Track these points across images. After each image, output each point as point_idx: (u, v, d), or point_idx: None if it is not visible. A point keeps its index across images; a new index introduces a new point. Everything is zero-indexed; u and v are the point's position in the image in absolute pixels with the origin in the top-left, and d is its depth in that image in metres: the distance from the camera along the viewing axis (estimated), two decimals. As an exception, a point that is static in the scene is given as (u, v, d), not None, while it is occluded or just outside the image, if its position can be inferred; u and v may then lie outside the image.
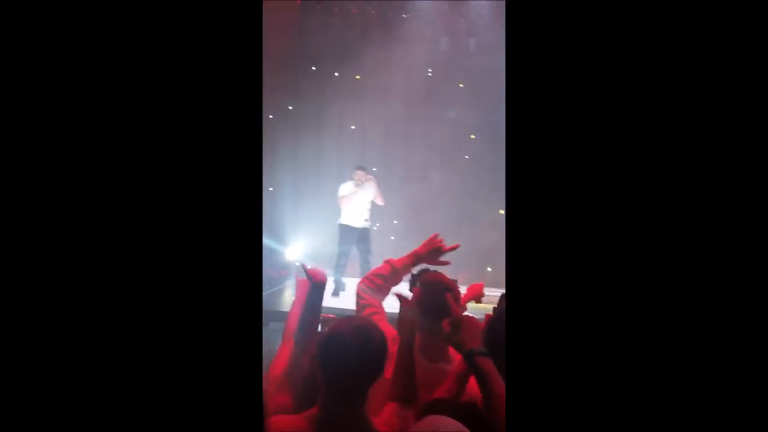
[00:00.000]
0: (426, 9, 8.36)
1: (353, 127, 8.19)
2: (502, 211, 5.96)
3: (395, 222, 7.70)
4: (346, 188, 6.38)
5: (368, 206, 6.40)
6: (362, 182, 6.28)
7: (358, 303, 2.02)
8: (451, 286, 1.90)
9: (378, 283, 2.02)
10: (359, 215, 6.39)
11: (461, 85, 8.07)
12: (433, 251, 2.04)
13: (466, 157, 7.80)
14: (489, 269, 7.18)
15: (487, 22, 8.37)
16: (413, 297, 1.74)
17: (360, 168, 6.42)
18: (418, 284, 1.91)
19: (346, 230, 6.42)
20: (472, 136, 7.89)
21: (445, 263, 2.06)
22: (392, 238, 7.55)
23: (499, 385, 1.36)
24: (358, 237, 6.39)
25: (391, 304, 1.91)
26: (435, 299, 1.77)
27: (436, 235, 2.06)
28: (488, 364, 1.39)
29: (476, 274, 6.04)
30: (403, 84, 8.00)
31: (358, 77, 8.09)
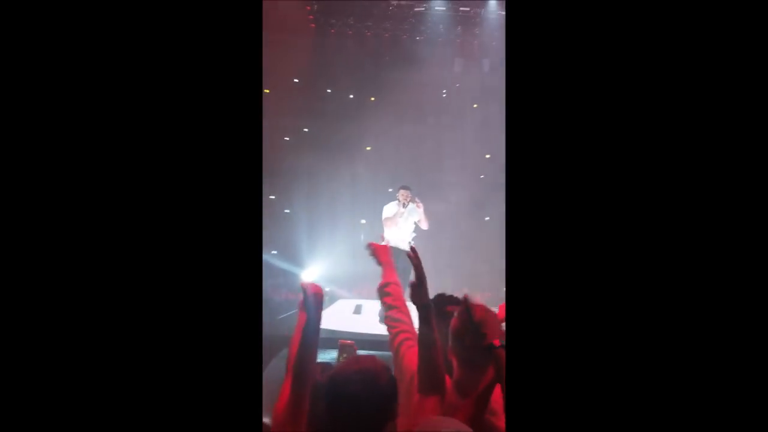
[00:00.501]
0: (439, 31, 8.43)
1: (368, 148, 8.22)
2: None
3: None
4: (390, 209, 6.03)
5: (413, 228, 6.07)
6: (407, 202, 5.94)
7: (390, 332, 1.86)
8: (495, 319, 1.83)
9: (399, 304, 1.93)
10: (404, 238, 6.02)
11: (475, 106, 8.09)
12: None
13: (482, 176, 7.79)
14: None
15: (500, 44, 8.43)
16: (453, 320, 1.63)
17: (405, 188, 6.06)
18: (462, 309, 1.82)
19: (395, 254, 6.12)
20: (487, 156, 7.89)
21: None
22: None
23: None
24: (405, 262, 6.08)
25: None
26: (480, 330, 1.63)
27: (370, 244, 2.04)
28: (504, 357, 1.36)
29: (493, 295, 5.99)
30: (418, 105, 8.03)
31: (372, 99, 8.14)
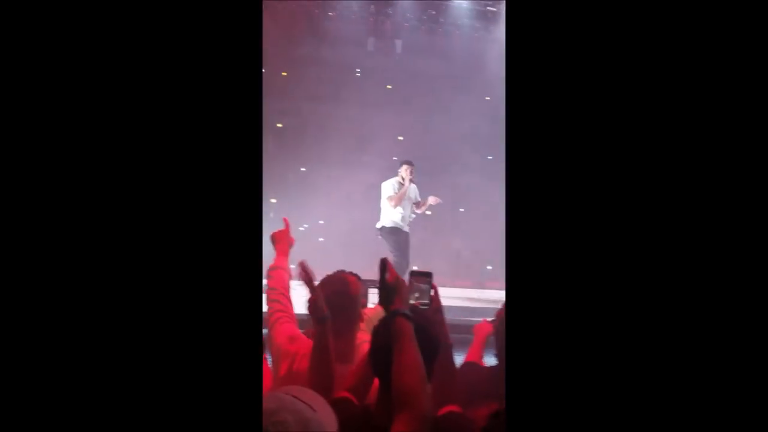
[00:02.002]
0: (352, 8, 8.34)
1: (279, 125, 8.05)
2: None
3: (321, 222, 7.66)
4: (391, 186, 5.60)
5: (412, 207, 5.71)
6: (411, 179, 5.54)
7: (268, 310, 2.04)
8: (350, 284, 1.94)
9: (280, 288, 2.09)
10: (406, 217, 5.68)
11: (389, 87, 8.13)
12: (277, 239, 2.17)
13: (395, 158, 7.86)
14: (489, 267, 7.28)
15: (413, 24, 8.49)
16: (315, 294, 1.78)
17: (408, 163, 5.61)
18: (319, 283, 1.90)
19: (397, 233, 5.63)
20: (400, 138, 7.98)
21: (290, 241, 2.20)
22: (321, 239, 7.50)
23: (409, 350, 1.33)
24: (404, 241, 5.65)
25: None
26: (339, 298, 1.85)
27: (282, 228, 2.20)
28: (406, 327, 1.37)
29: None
30: (331, 83, 7.95)
31: (284, 74, 7.95)
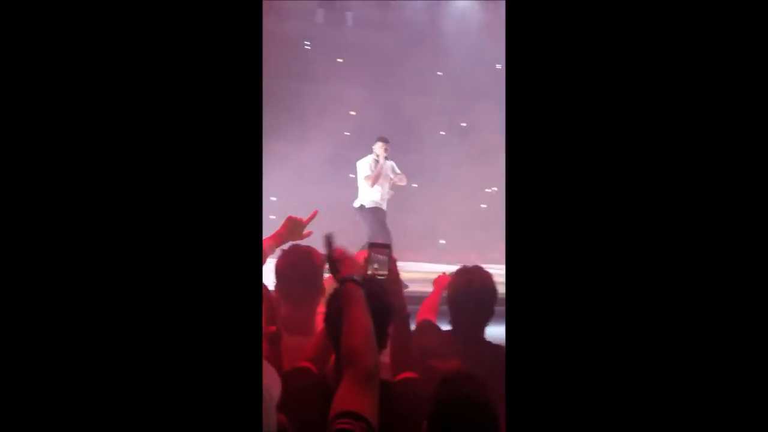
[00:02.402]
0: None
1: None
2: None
3: (273, 199, 7.49)
4: (367, 165, 5.53)
5: (389, 184, 5.67)
6: (386, 156, 5.47)
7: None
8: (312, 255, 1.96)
9: None
10: (384, 194, 5.63)
11: (340, 60, 7.95)
12: (295, 227, 2.09)
13: (347, 133, 7.71)
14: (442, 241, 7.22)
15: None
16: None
17: (383, 140, 5.53)
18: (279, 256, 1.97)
19: (377, 212, 5.60)
20: (352, 113, 7.83)
21: (308, 234, 2.11)
22: (272, 216, 7.32)
23: (355, 311, 1.37)
24: (384, 218, 5.63)
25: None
26: (296, 269, 1.89)
27: (289, 217, 2.13)
28: (354, 291, 1.40)
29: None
30: (280, 57, 7.70)
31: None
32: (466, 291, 1.90)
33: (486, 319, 1.93)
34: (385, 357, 1.60)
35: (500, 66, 8.50)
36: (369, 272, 1.61)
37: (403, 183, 5.71)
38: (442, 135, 8.07)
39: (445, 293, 2.10)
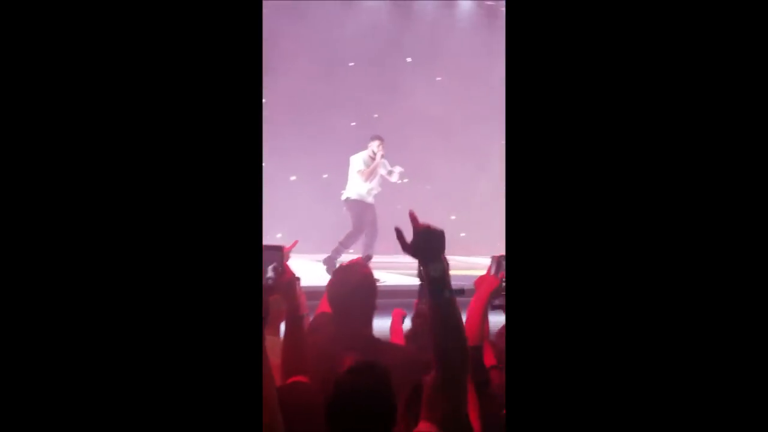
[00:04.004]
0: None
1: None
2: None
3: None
4: (362, 160, 5.84)
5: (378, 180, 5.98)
6: (382, 154, 5.81)
7: None
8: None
9: None
10: (371, 190, 5.91)
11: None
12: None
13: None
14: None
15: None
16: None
17: (379, 138, 5.88)
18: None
19: (364, 207, 5.88)
20: (263, 101, 7.68)
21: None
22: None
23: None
24: (372, 215, 5.92)
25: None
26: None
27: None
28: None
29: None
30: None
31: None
32: (343, 287, 1.92)
33: (368, 315, 1.96)
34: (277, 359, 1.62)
35: (410, 59, 8.63)
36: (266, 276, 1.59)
37: (395, 179, 6.00)
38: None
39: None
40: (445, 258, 1.31)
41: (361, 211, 5.91)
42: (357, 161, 5.91)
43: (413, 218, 1.30)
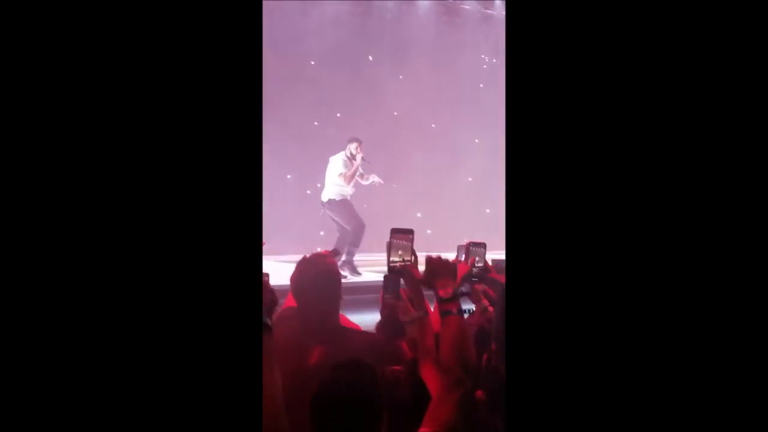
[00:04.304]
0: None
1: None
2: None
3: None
4: (342, 162, 5.93)
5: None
6: (362, 156, 5.96)
7: None
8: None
9: None
10: (349, 192, 6.04)
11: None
12: None
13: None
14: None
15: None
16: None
17: (357, 140, 6.01)
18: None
19: (345, 204, 5.98)
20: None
21: None
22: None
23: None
24: (351, 207, 6.05)
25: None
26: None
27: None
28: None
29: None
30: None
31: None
32: (306, 280, 1.92)
33: (333, 305, 1.96)
34: None
35: (371, 57, 8.65)
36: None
37: (367, 183, 6.19)
38: (315, 125, 8.09)
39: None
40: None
41: (349, 208, 6.03)
42: (337, 163, 5.96)
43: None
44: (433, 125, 8.86)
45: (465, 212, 8.73)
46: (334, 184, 5.97)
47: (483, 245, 1.97)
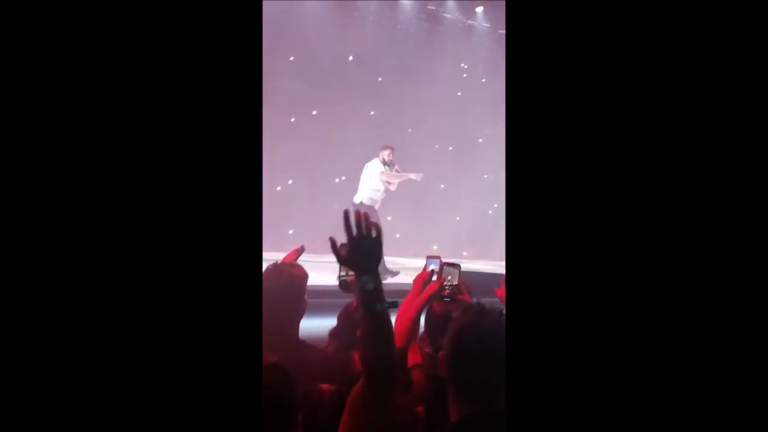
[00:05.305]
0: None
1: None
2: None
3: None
4: (381, 165, 6.25)
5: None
6: (393, 162, 6.25)
7: None
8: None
9: None
10: (381, 195, 6.36)
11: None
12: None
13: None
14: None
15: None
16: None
17: (389, 147, 6.33)
18: None
19: (376, 214, 6.26)
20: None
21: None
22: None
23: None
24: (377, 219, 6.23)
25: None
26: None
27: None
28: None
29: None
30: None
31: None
32: (271, 286, 1.91)
33: (294, 315, 1.97)
34: None
35: (351, 58, 8.65)
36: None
37: (395, 181, 6.38)
38: (292, 122, 8.07)
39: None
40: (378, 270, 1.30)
41: (375, 216, 6.23)
42: (375, 166, 6.29)
43: (347, 223, 1.27)
44: (409, 130, 8.89)
45: (434, 219, 8.79)
46: (369, 188, 6.29)
47: (457, 266, 2.00)
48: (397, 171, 6.34)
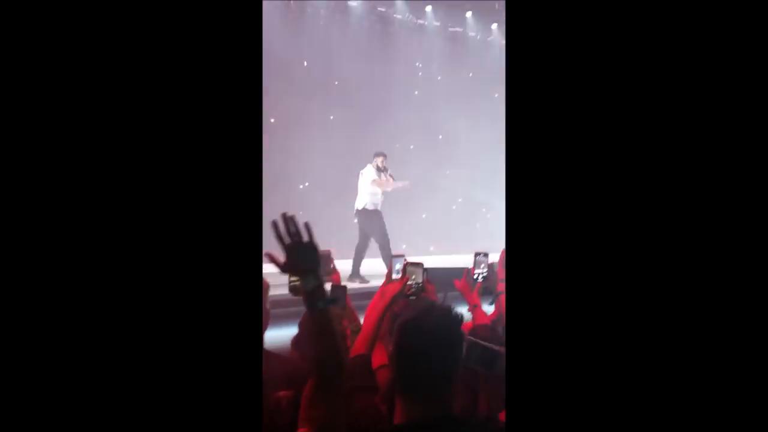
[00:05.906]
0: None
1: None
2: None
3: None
4: (374, 171, 6.47)
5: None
6: (386, 168, 6.48)
7: None
8: None
9: None
10: (380, 200, 6.56)
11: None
12: None
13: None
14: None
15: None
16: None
17: (381, 154, 6.57)
18: None
19: (377, 215, 6.53)
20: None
21: None
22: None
23: None
24: (382, 221, 6.58)
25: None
26: None
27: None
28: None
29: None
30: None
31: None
32: None
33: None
34: None
35: (306, 63, 8.64)
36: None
37: (389, 188, 6.60)
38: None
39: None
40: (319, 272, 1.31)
41: (380, 220, 6.59)
42: (369, 173, 6.50)
43: (277, 233, 1.29)
44: (371, 132, 8.92)
45: (401, 218, 8.85)
46: (368, 193, 6.49)
47: (420, 264, 2.03)
48: (390, 176, 6.56)
